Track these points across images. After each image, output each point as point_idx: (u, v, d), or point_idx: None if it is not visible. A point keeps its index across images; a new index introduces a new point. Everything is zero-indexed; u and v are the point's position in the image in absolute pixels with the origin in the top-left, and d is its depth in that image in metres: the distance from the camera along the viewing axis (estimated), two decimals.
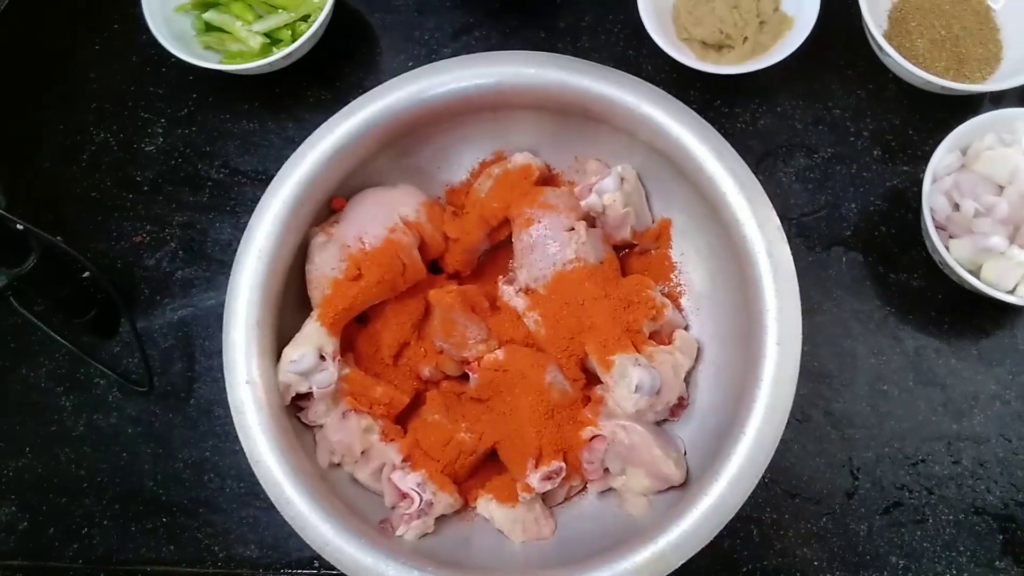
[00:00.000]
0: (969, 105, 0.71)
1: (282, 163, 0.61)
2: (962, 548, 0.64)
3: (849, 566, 0.64)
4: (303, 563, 0.66)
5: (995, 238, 0.61)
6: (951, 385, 0.66)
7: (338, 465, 0.61)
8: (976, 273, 0.62)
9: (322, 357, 0.59)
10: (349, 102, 0.62)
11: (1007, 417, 0.65)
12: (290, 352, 0.59)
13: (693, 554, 0.53)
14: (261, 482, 0.55)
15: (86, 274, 0.69)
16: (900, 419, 0.66)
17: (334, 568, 0.55)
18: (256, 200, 0.61)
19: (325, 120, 0.62)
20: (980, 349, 0.67)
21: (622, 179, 0.63)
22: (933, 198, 0.63)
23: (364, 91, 0.62)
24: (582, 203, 0.64)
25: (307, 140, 0.61)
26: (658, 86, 0.60)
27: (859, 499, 0.65)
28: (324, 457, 0.61)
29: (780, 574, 0.64)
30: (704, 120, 0.59)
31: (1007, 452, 0.65)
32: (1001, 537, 0.64)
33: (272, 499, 0.55)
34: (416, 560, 0.55)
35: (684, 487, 0.60)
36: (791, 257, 0.56)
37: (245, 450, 0.56)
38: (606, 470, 0.61)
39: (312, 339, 0.59)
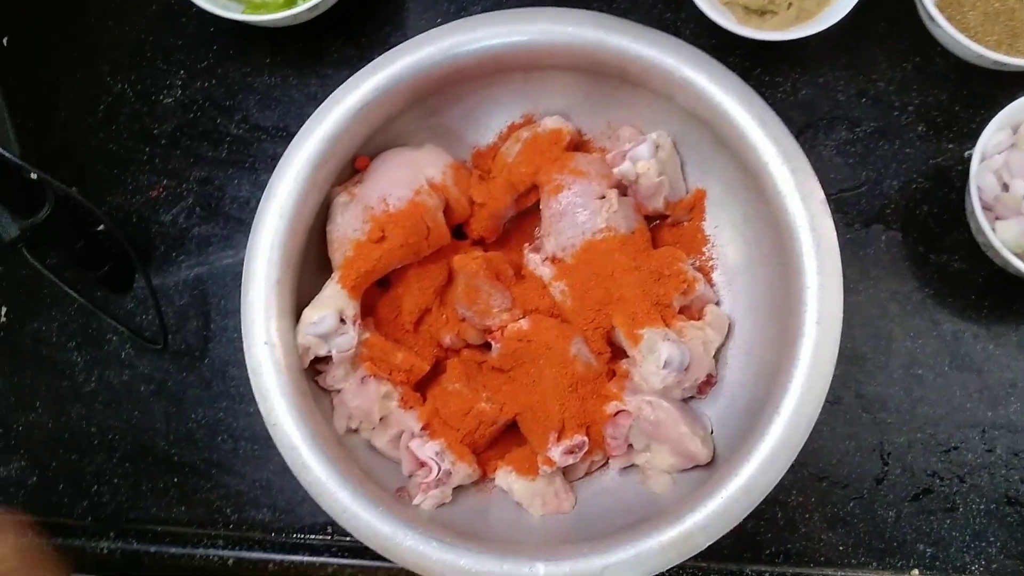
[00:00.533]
0: (1018, 83, 0.68)
1: (303, 120, 0.59)
2: (992, 539, 0.62)
3: (875, 552, 0.62)
4: (316, 528, 0.64)
5: None
6: (988, 371, 0.64)
7: (355, 431, 0.60)
8: (1022, 256, 0.60)
9: (342, 320, 0.57)
10: (374, 58, 0.59)
11: None
12: (310, 314, 0.57)
13: (721, 535, 0.51)
14: (278, 446, 0.54)
15: (101, 227, 0.67)
16: (934, 404, 0.64)
17: (347, 534, 0.53)
18: (276, 157, 0.59)
19: (348, 76, 0.59)
20: (1020, 335, 0.64)
21: (657, 146, 0.61)
22: (981, 177, 0.61)
23: (390, 48, 0.60)
24: (614, 170, 0.61)
25: (332, 95, 0.59)
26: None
27: (888, 485, 0.63)
28: (341, 422, 0.59)
29: (804, 558, 0.62)
30: (747, 85, 0.56)
31: None
32: None
33: (289, 464, 0.54)
34: (433, 530, 0.54)
35: (710, 467, 0.58)
36: (835, 233, 0.54)
37: (262, 412, 0.55)
38: (630, 446, 0.59)
39: (333, 301, 0.58)
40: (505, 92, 0.64)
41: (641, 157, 0.61)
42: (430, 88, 0.61)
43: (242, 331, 0.55)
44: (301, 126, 0.59)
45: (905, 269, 0.66)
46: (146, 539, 0.65)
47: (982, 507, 0.62)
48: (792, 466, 0.52)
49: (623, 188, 0.63)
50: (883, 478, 0.63)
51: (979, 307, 0.65)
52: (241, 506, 0.65)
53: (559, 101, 0.65)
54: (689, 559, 0.52)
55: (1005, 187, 0.61)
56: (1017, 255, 0.60)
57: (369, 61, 0.60)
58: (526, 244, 0.64)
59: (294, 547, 0.64)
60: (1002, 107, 0.61)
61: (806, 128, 0.68)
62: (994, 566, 0.61)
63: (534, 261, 0.62)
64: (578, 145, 0.65)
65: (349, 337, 0.57)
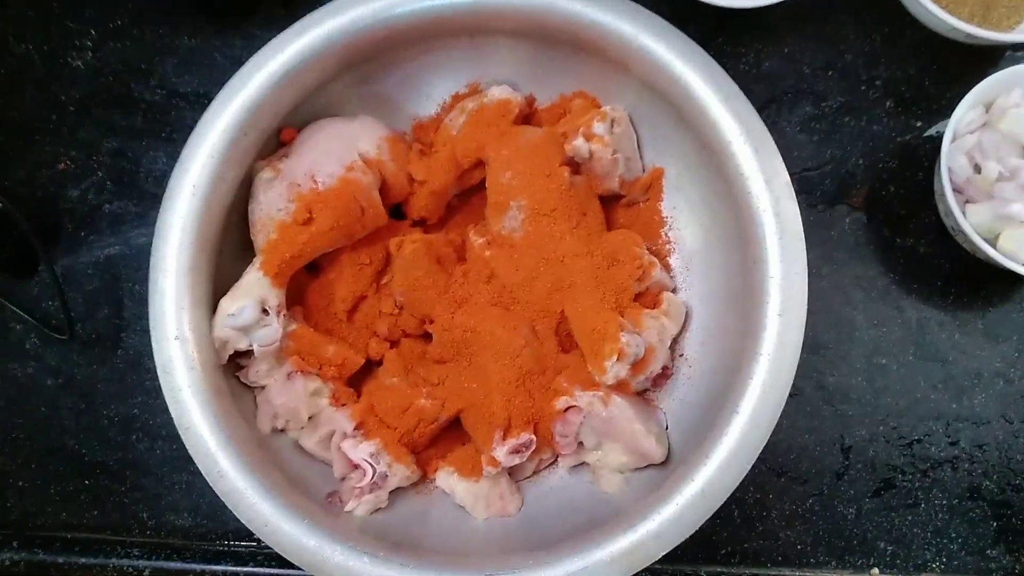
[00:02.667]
0: (990, 57, 0.65)
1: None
2: (954, 535, 0.60)
3: (834, 550, 0.60)
4: (241, 534, 0.60)
5: (1017, 205, 0.55)
6: (953, 361, 0.62)
7: (282, 431, 0.55)
8: (992, 242, 0.57)
9: (265, 311, 0.52)
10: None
11: (1010, 397, 0.61)
12: (227, 304, 0.52)
13: (676, 544, 0.48)
14: (191, 452, 0.49)
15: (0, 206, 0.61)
16: (897, 395, 0.61)
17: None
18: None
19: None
20: (986, 323, 0.62)
21: (612, 121, 0.56)
22: (952, 157, 0.58)
23: (321, 6, 0.54)
24: (566, 146, 0.56)
25: (252, 59, 0.53)
26: None
27: (849, 480, 0.60)
28: (266, 422, 0.54)
29: (761, 557, 0.60)
30: (710, 57, 0.52)
31: (1007, 434, 0.61)
32: (995, 524, 0.60)
33: (203, 471, 0.49)
34: (365, 542, 0.49)
35: (664, 465, 0.55)
36: (800, 218, 0.50)
37: (173, 415, 0.50)
38: (580, 444, 0.56)
39: (253, 290, 0.52)
40: (448, 58, 0.59)
41: (595, 133, 0.56)
42: (364, 52, 0.56)
43: (150, 325, 0.50)
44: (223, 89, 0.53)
45: (870, 253, 0.63)
46: (54, 548, 0.60)
47: (944, 502, 0.60)
48: None
49: (575, 166, 0.58)
50: (843, 473, 0.60)
51: (945, 293, 0.62)
52: (159, 510, 0.60)
53: (507, 70, 0.60)
54: None
55: (977, 168, 0.57)
56: (987, 240, 0.57)
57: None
58: (471, 225, 0.60)
59: (217, 555, 0.60)
60: (974, 83, 0.58)
61: (769, 102, 0.64)
62: (955, 563, 0.60)
63: (479, 244, 0.57)
64: (527, 118, 0.60)
65: (272, 329, 0.52)
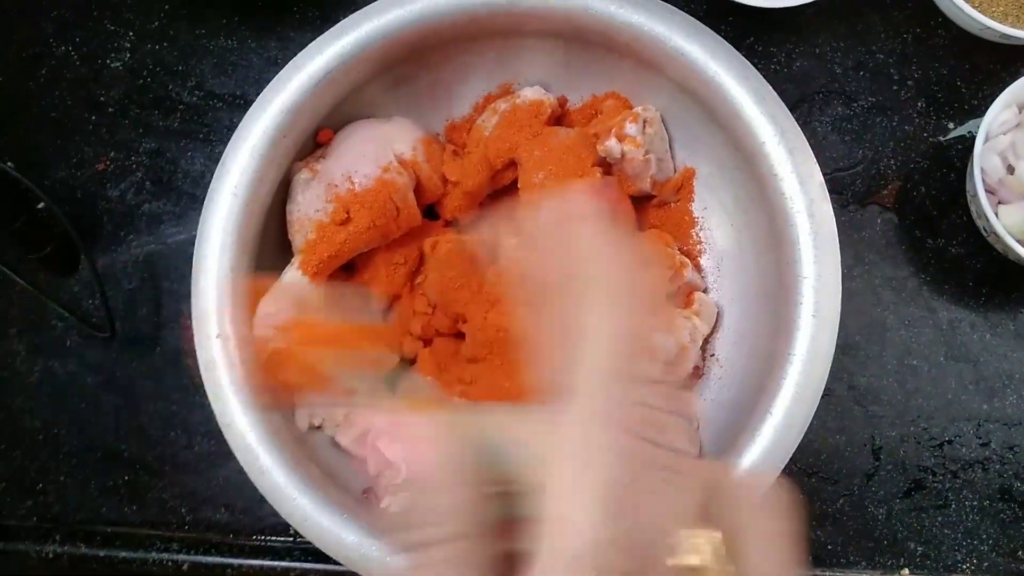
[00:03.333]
0: (1023, 58, 0.64)
1: (262, 87, 0.54)
2: (984, 536, 0.60)
3: (864, 551, 0.60)
4: (278, 530, 0.61)
5: None
6: (985, 362, 0.61)
7: (319, 428, 0.56)
8: None
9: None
10: (339, 20, 0.54)
11: None
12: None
13: None
14: (232, 448, 0.50)
15: (42, 204, 0.62)
16: (928, 397, 0.61)
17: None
18: (232, 127, 0.54)
19: (312, 40, 0.54)
20: (1018, 325, 0.62)
21: (644, 122, 0.57)
22: (985, 158, 0.57)
23: (357, 8, 0.54)
24: (598, 147, 0.57)
25: (291, 62, 0.54)
26: None
27: (879, 481, 0.60)
28: (303, 420, 0.55)
29: None
30: (744, 58, 0.52)
31: None
32: None
33: (244, 467, 0.50)
34: None
35: None
36: (834, 219, 0.50)
37: (215, 411, 0.50)
38: None
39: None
40: (481, 60, 0.60)
41: (627, 133, 0.56)
42: (400, 55, 0.56)
43: (193, 324, 0.51)
44: (259, 94, 0.54)
45: (901, 254, 0.63)
46: (95, 542, 0.61)
47: (975, 503, 0.60)
48: None
49: (607, 166, 0.58)
50: (874, 474, 0.60)
51: (977, 294, 0.62)
52: (197, 506, 0.61)
53: (539, 71, 0.60)
54: None
55: (1010, 169, 0.57)
56: (1020, 241, 0.56)
57: (334, 23, 0.54)
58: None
59: (254, 550, 0.60)
60: (1007, 83, 0.58)
61: (800, 102, 0.64)
62: (985, 564, 0.59)
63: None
64: (559, 119, 0.61)
65: None
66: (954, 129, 0.64)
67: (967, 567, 0.59)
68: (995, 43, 0.63)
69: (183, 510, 0.61)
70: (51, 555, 0.61)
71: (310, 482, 0.50)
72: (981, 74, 0.64)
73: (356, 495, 0.54)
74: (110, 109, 0.67)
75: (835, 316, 0.50)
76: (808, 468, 0.60)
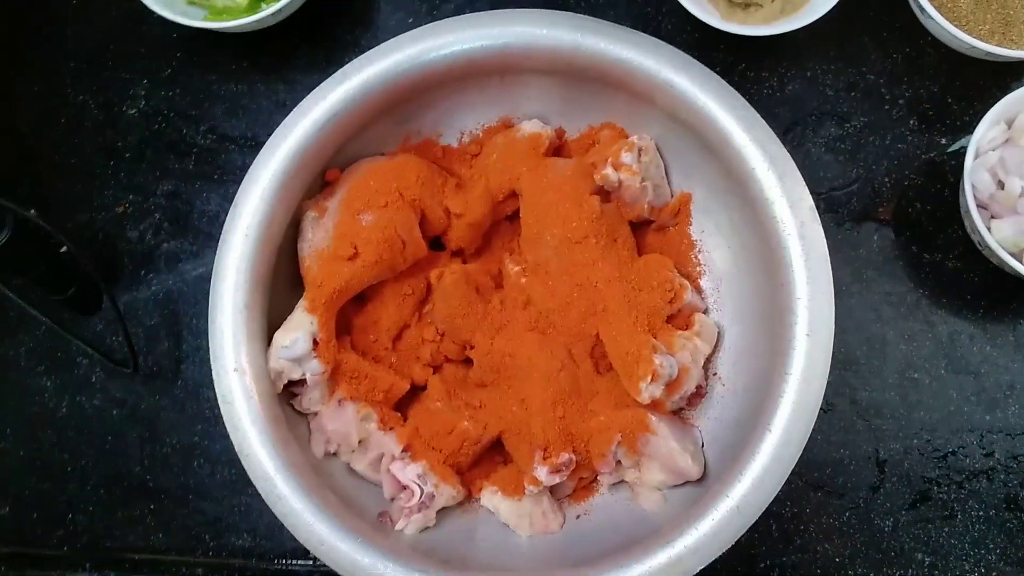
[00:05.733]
0: (1012, 73, 0.66)
1: (272, 128, 0.56)
2: (991, 545, 0.60)
3: (872, 562, 0.61)
4: (298, 553, 0.63)
5: None
6: (985, 373, 0.62)
7: (334, 455, 0.58)
8: (1019, 256, 0.58)
9: (316, 342, 0.55)
10: (344, 63, 0.57)
11: None
12: (281, 337, 0.55)
13: (712, 559, 0.49)
14: (251, 476, 0.52)
15: (64, 248, 0.64)
16: (930, 409, 0.62)
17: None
18: (245, 168, 0.56)
19: (318, 82, 0.57)
20: (1017, 335, 0.63)
21: (640, 150, 0.58)
22: (975, 174, 0.59)
23: (360, 51, 0.57)
24: (596, 176, 0.59)
25: (297, 107, 0.56)
26: (678, 47, 0.55)
27: (884, 493, 0.61)
28: (319, 447, 0.57)
29: (799, 571, 0.61)
30: (731, 87, 0.54)
31: None
32: None
33: (263, 495, 0.52)
34: (416, 559, 0.52)
35: (700, 482, 0.56)
36: (824, 241, 0.52)
37: (234, 442, 0.52)
38: (618, 462, 0.57)
39: (305, 322, 0.55)
40: (481, 96, 0.62)
41: (623, 162, 0.58)
42: (401, 95, 0.59)
43: (211, 358, 0.53)
44: (270, 134, 0.56)
45: (899, 269, 0.64)
46: (123, 568, 0.63)
47: (981, 513, 0.61)
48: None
49: (605, 194, 0.60)
50: (879, 486, 0.61)
51: (975, 307, 0.63)
52: (220, 532, 0.63)
53: (537, 105, 0.62)
54: None
55: (1000, 184, 0.58)
56: (1013, 255, 0.58)
57: (338, 66, 0.57)
58: (506, 254, 0.62)
59: (276, 574, 0.62)
60: (996, 99, 0.59)
61: (794, 125, 0.66)
62: (993, 573, 0.60)
63: (514, 272, 0.60)
64: (558, 150, 0.63)
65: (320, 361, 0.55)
66: (951, 144, 0.65)
67: None
68: (983, 60, 0.64)
69: (207, 536, 0.63)
70: None
71: (326, 507, 0.52)
72: (971, 91, 0.65)
73: (371, 519, 0.56)
74: (127, 154, 0.70)
75: (829, 335, 0.51)
76: (814, 482, 0.61)
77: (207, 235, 0.68)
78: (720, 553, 0.49)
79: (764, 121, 0.54)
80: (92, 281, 0.66)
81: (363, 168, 0.59)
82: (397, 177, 0.59)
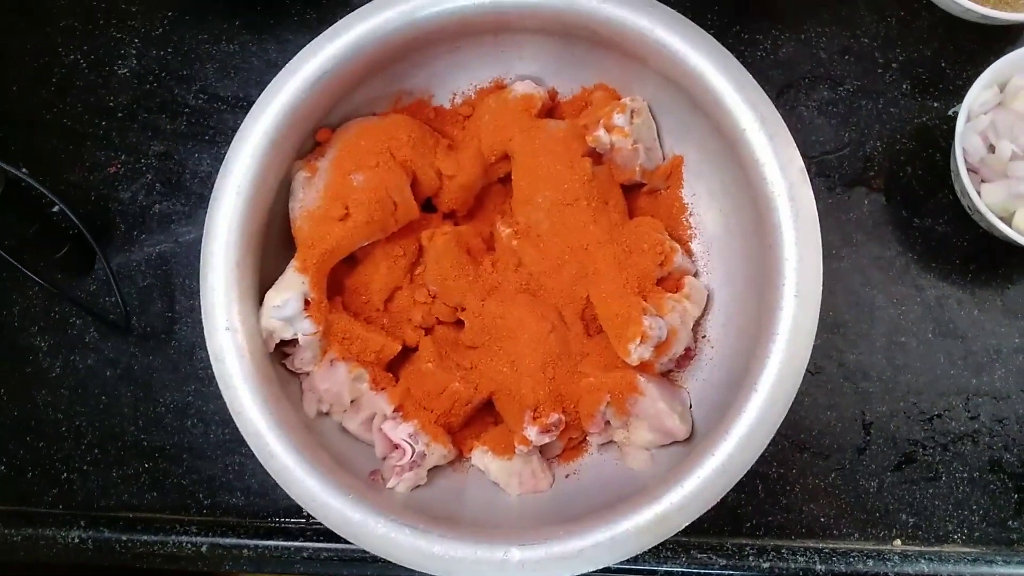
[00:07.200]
0: (1007, 37, 0.65)
1: (264, 88, 0.56)
2: (975, 507, 0.61)
3: (857, 523, 0.61)
4: (291, 512, 0.63)
5: None
6: (972, 337, 0.63)
7: (326, 414, 0.58)
8: (1008, 220, 0.58)
9: (307, 302, 0.55)
10: (335, 22, 0.56)
11: None
12: (273, 296, 0.55)
13: (698, 516, 0.50)
14: (243, 434, 0.52)
15: (56, 208, 0.64)
16: (917, 372, 0.63)
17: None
18: (236, 129, 0.56)
19: (309, 42, 0.56)
20: (1005, 300, 0.63)
21: (632, 112, 0.58)
22: (967, 138, 0.59)
23: (352, 10, 0.56)
24: (588, 138, 0.59)
25: (288, 65, 0.56)
26: (672, 8, 0.55)
27: (870, 455, 0.62)
28: (311, 406, 0.58)
29: (785, 530, 0.62)
30: (724, 48, 0.54)
31: None
32: (1016, 496, 0.61)
33: (255, 452, 0.52)
34: (406, 515, 0.52)
35: (688, 442, 0.57)
36: (814, 202, 0.52)
37: (226, 400, 0.53)
38: (607, 423, 0.58)
39: (296, 282, 0.56)
40: (474, 56, 0.61)
41: (615, 124, 0.58)
42: (393, 54, 0.58)
43: (202, 317, 0.53)
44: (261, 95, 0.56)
45: (888, 233, 0.64)
46: (117, 527, 0.64)
47: (965, 475, 0.62)
48: (773, 438, 0.51)
49: (597, 156, 0.60)
50: (865, 448, 0.62)
51: (964, 272, 0.63)
52: (214, 491, 0.64)
53: (530, 66, 0.62)
54: None
55: (991, 148, 0.59)
56: (1003, 219, 0.58)
57: (330, 24, 0.56)
58: (498, 216, 0.62)
59: (269, 532, 0.63)
60: (991, 63, 0.59)
61: (787, 88, 0.66)
62: (976, 534, 0.61)
63: (506, 234, 0.60)
64: (550, 111, 0.63)
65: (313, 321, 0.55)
66: (944, 109, 0.65)
67: (958, 537, 0.61)
68: (978, 24, 0.64)
69: (200, 495, 0.64)
70: (76, 540, 0.64)
71: (317, 464, 0.52)
72: (965, 55, 0.65)
73: (363, 477, 0.56)
74: (119, 114, 0.70)
75: (816, 296, 0.51)
76: (800, 444, 0.62)
77: (199, 196, 0.68)
78: (706, 510, 0.50)
79: (756, 82, 0.53)
80: (84, 241, 0.66)
81: (354, 128, 0.59)
82: (388, 137, 0.58)
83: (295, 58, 0.56)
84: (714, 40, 0.54)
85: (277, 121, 0.55)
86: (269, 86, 0.56)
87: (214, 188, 0.55)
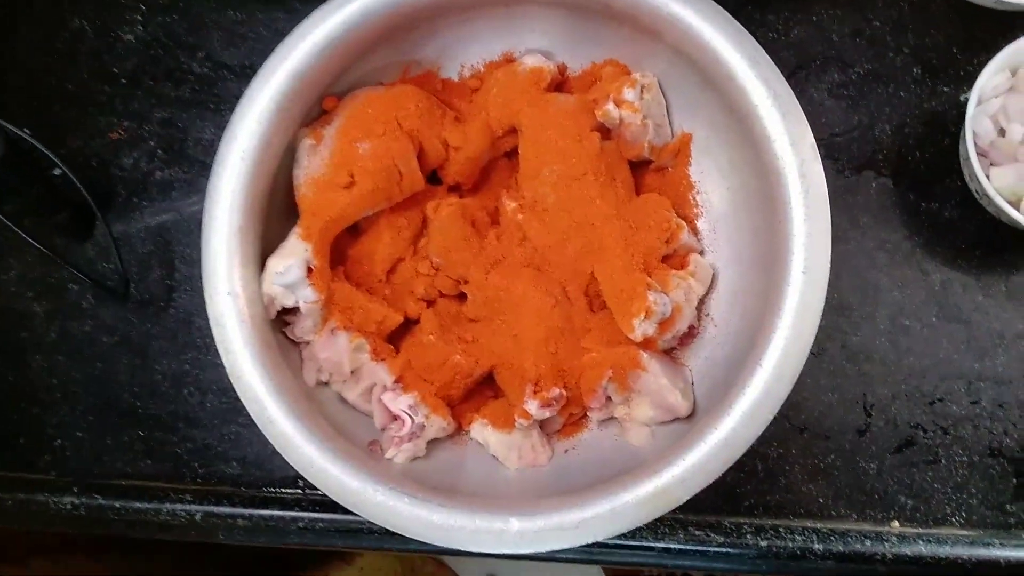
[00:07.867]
0: (1020, 24, 0.65)
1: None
2: (974, 490, 0.61)
3: (855, 504, 0.61)
4: (287, 482, 0.63)
5: None
6: (976, 322, 0.63)
7: (326, 384, 0.58)
8: (1016, 204, 0.58)
9: (310, 270, 0.55)
10: None
11: None
12: (275, 263, 0.54)
13: (699, 490, 0.50)
14: (242, 399, 0.52)
15: (57, 171, 0.64)
16: (920, 356, 0.62)
17: (318, 489, 0.52)
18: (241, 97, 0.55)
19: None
20: (1010, 286, 0.63)
21: (642, 87, 0.58)
22: (977, 120, 0.58)
23: None
24: (597, 112, 0.58)
25: (296, 30, 0.55)
26: None
27: (871, 437, 0.62)
28: (311, 375, 0.57)
29: (783, 510, 0.61)
30: (738, 24, 0.53)
31: None
32: (1015, 481, 0.61)
33: (254, 417, 0.52)
34: (405, 484, 0.52)
35: (690, 419, 0.57)
36: (824, 179, 0.52)
37: (225, 365, 0.52)
38: (608, 398, 0.58)
39: (299, 250, 0.55)
40: (484, 28, 0.61)
41: (625, 99, 0.58)
42: (402, 23, 0.58)
43: (203, 281, 0.53)
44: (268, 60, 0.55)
45: (895, 217, 0.64)
46: (111, 494, 0.63)
47: (965, 459, 0.61)
48: (774, 418, 0.51)
49: (605, 132, 0.60)
50: (866, 430, 0.62)
51: (969, 256, 0.63)
52: (209, 460, 0.64)
53: (540, 38, 0.61)
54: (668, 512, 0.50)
55: (1002, 132, 0.58)
56: (1011, 203, 0.58)
57: None
58: (504, 190, 0.62)
59: (264, 501, 0.63)
60: (999, 50, 0.59)
61: (797, 69, 0.65)
62: (974, 517, 0.61)
63: (511, 208, 0.60)
64: (559, 85, 0.62)
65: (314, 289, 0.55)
66: (955, 94, 0.65)
67: (956, 520, 0.61)
68: (991, 10, 0.63)
69: (196, 464, 0.64)
70: (69, 506, 0.63)
71: (316, 431, 0.52)
72: (977, 41, 0.65)
73: (362, 447, 0.56)
74: (123, 80, 0.69)
75: (825, 273, 0.51)
76: (801, 424, 0.62)
77: (201, 164, 0.67)
78: (708, 483, 0.50)
79: (770, 59, 0.53)
80: (84, 206, 0.65)
81: (361, 97, 0.59)
82: (395, 106, 0.58)
83: (303, 23, 0.55)
84: (729, 15, 0.54)
85: (284, 86, 0.55)
86: (276, 50, 0.55)
87: (218, 152, 0.54)
